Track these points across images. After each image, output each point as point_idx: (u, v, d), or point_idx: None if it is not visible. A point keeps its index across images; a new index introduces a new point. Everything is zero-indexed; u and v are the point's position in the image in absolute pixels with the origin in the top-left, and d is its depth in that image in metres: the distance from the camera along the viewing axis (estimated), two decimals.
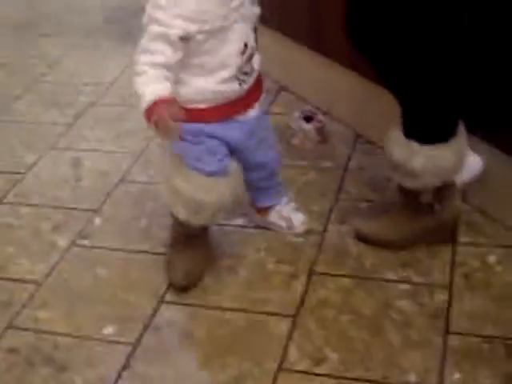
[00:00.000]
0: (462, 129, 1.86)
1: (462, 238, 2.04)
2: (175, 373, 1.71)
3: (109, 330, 1.83)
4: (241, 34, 1.75)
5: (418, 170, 1.83)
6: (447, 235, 2.01)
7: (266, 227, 2.13)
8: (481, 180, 2.09)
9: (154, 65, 1.67)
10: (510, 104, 1.91)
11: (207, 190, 1.84)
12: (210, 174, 1.84)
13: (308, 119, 2.55)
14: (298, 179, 2.33)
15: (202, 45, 1.70)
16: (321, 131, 2.53)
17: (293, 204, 2.14)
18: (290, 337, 1.77)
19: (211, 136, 1.82)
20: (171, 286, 1.95)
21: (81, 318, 1.88)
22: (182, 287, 1.94)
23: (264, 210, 2.11)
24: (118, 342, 1.80)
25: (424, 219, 1.96)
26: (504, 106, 1.93)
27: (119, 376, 1.70)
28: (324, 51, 2.62)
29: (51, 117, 2.83)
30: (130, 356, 1.75)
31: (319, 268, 1.98)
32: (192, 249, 1.97)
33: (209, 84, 1.76)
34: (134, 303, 1.91)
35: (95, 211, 2.27)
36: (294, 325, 1.80)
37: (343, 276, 1.95)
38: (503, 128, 1.98)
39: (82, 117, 2.82)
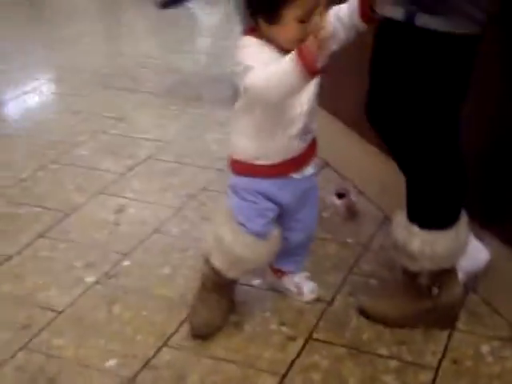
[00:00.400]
0: (464, 219, 1.96)
1: (461, 326, 2.11)
2: None
3: (111, 363, 1.98)
4: (310, 93, 1.90)
5: (416, 253, 1.93)
6: (446, 320, 2.09)
7: (276, 289, 2.25)
8: (489, 271, 2.16)
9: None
10: None
11: (248, 248, 1.99)
12: (254, 234, 1.98)
13: (340, 196, 2.68)
14: (319, 250, 2.45)
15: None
16: (350, 209, 2.65)
17: (306, 273, 2.25)
18: None
19: (266, 197, 1.96)
20: (191, 331, 2.07)
21: (88, 348, 2.03)
22: (202, 334, 2.06)
23: (280, 272, 2.24)
24: (116, 375, 1.94)
25: (422, 302, 2.05)
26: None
27: None
28: (365, 136, 2.76)
29: (107, 165, 3.06)
30: None
31: (317, 335, 2.08)
32: (217, 299, 2.10)
33: (277, 141, 1.90)
34: (140, 342, 2.05)
35: (126, 255, 2.45)
36: (280, 383, 1.90)
37: (338, 345, 2.04)
38: (509, 222, 2.07)
39: (134, 168, 3.03)
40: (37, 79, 4.18)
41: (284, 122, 1.89)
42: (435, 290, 2.03)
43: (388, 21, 1.72)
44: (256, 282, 2.30)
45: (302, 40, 1.72)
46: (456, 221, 1.93)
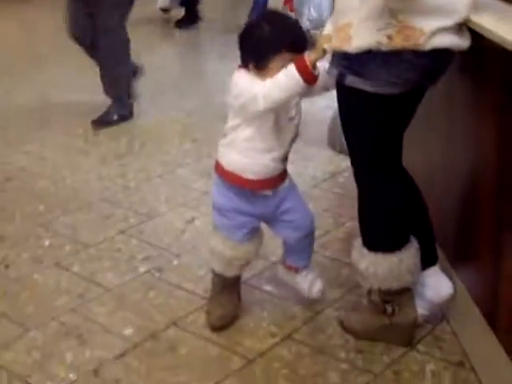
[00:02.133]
0: (411, 248, 2.32)
1: (420, 346, 2.45)
2: (149, 370, 2.38)
3: (127, 331, 2.56)
4: (298, 124, 2.39)
5: (363, 272, 2.33)
6: (402, 338, 2.44)
7: (288, 284, 2.67)
8: (456, 303, 2.49)
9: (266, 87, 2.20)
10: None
11: (235, 250, 2.49)
12: (237, 241, 2.49)
13: None
14: (334, 270, 2.88)
15: (275, 124, 2.30)
16: None
17: (316, 272, 2.64)
18: (236, 372, 2.35)
19: (240, 212, 2.45)
20: (209, 325, 2.56)
21: (116, 318, 2.64)
22: (217, 327, 2.57)
23: (294, 268, 2.61)
24: (127, 340, 2.51)
25: (380, 319, 2.42)
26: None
27: (116, 358, 2.42)
28: None
29: (198, 184, 3.68)
30: (129, 349, 2.46)
31: (296, 335, 2.52)
32: (226, 297, 2.59)
33: (264, 160, 2.35)
34: (156, 320, 2.61)
35: (177, 256, 3.03)
36: (246, 365, 2.38)
37: (307, 346, 2.47)
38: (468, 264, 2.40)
39: None
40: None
41: (273, 144, 2.34)
42: (389, 309, 2.39)
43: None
44: (267, 287, 2.77)
45: None
46: (400, 247, 2.30)
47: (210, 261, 2.57)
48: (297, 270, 2.63)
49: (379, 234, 2.33)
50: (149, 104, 4.86)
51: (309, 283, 2.62)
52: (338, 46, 2.07)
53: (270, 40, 2.24)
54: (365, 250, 2.34)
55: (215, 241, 2.51)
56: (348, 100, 2.17)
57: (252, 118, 2.29)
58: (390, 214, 2.30)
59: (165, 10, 7.28)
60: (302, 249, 2.61)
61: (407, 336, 2.44)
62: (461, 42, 2.03)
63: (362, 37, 2.00)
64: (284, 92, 2.20)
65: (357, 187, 2.35)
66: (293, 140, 2.40)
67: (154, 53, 6.14)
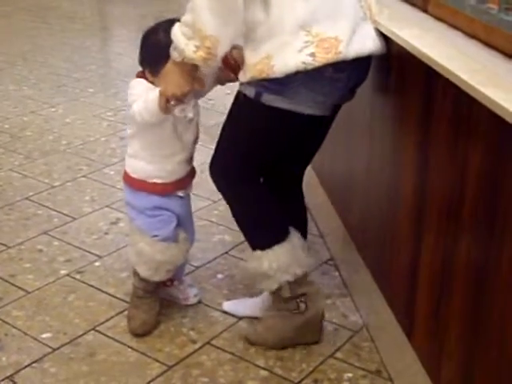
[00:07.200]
0: (294, 233, 2.38)
1: (340, 354, 2.48)
2: (67, 376, 2.34)
3: (45, 336, 2.52)
4: (197, 124, 2.44)
5: (267, 272, 2.35)
6: (313, 334, 2.47)
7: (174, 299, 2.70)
8: (378, 314, 2.53)
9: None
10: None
11: (164, 253, 2.48)
12: (165, 240, 2.48)
13: None
14: None
15: (173, 131, 2.34)
16: None
17: (188, 280, 2.72)
18: (154, 378, 2.33)
19: (165, 209, 2.46)
20: (131, 332, 2.55)
21: (35, 322, 2.59)
22: (139, 334, 2.55)
23: (170, 281, 2.66)
24: (45, 345, 2.48)
25: (295, 319, 2.43)
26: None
27: (29, 365, 2.37)
28: None
29: None
30: (47, 354, 2.43)
31: (216, 342, 2.52)
32: (148, 303, 2.58)
33: (168, 164, 2.41)
34: (75, 324, 2.59)
35: (100, 257, 2.99)
36: (165, 371, 2.37)
37: (227, 352, 2.47)
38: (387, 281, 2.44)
39: None
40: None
41: (175, 149, 2.39)
42: (302, 306, 2.41)
43: (244, 95, 2.17)
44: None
45: None
46: (284, 237, 2.35)
47: (135, 265, 2.54)
48: (172, 283, 2.68)
49: (261, 232, 2.37)
50: (76, 101, 4.81)
51: (183, 291, 2.69)
52: (256, 75, 2.06)
53: (164, 47, 2.21)
54: (258, 252, 2.36)
55: (143, 244, 2.49)
56: (262, 118, 2.17)
57: (145, 127, 2.33)
58: (258, 211, 2.36)
59: None
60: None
61: (317, 330, 2.48)
62: (379, 47, 2.07)
63: (284, 62, 2.00)
64: (153, 117, 2.25)
65: (223, 197, 2.39)
66: (195, 141, 2.45)
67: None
